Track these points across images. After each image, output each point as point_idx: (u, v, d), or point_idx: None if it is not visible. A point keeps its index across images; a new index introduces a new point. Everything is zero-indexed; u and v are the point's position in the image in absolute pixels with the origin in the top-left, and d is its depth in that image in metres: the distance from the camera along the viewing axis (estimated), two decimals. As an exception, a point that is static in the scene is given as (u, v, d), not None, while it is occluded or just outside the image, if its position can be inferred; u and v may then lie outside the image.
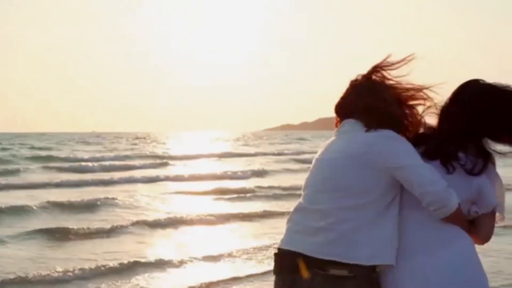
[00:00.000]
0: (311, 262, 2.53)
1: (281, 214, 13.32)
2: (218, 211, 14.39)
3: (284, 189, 19.35)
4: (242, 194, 18.27)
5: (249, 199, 17.59)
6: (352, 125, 2.73)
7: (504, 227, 11.50)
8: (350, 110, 2.77)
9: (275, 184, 21.00)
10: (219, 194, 18.33)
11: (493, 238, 2.87)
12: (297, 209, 2.72)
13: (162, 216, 13.74)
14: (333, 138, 2.80)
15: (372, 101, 2.72)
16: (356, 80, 2.84)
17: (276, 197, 17.55)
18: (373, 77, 2.83)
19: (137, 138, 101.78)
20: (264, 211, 14.44)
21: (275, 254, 2.69)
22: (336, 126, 2.82)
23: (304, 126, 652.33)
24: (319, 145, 61.60)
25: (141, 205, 15.85)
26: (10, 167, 28.32)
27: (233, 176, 25.05)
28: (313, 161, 2.78)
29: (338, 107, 2.82)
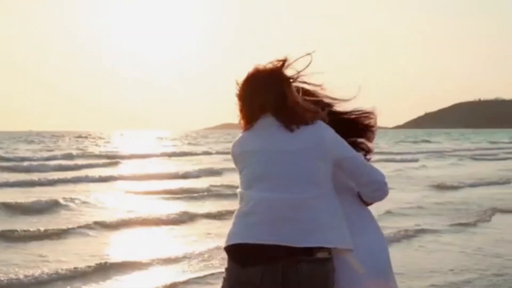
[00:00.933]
0: (296, 250, 2.60)
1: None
2: (175, 211, 14.05)
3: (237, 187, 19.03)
4: (198, 193, 18.02)
5: (205, 198, 17.39)
6: (279, 120, 2.79)
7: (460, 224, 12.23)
8: (267, 102, 2.82)
9: (228, 182, 20.76)
10: (175, 194, 18.00)
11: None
12: (251, 201, 2.71)
13: (119, 216, 13.36)
14: (263, 130, 2.80)
15: (292, 94, 2.83)
16: (266, 70, 2.86)
17: (230, 196, 17.18)
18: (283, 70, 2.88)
19: (79, 137, 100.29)
20: (219, 210, 14.21)
21: (240, 248, 2.68)
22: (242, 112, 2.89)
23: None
24: None
25: (95, 206, 15.40)
26: None
27: (187, 175, 24.76)
28: (249, 154, 2.77)
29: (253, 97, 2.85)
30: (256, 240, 2.64)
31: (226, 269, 2.78)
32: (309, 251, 2.63)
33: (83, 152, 43.49)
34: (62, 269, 8.41)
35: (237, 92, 2.87)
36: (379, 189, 2.90)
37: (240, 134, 2.89)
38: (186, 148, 54.15)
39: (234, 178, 22.03)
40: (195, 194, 17.79)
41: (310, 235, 2.63)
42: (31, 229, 11.40)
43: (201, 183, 21.43)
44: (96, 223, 12.28)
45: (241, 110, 2.87)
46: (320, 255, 2.66)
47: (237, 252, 2.70)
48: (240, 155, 2.83)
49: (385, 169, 28.41)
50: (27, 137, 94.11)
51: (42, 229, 11.48)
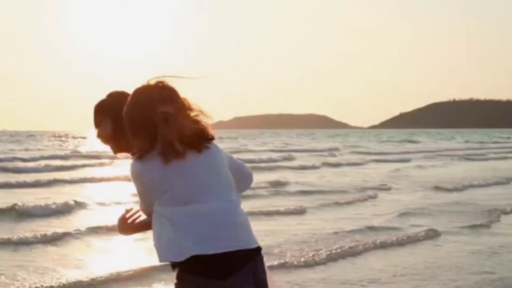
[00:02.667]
0: (252, 252, 2.73)
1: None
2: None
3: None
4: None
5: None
6: None
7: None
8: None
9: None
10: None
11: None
12: (191, 215, 2.69)
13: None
14: None
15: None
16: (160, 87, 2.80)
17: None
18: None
19: (58, 136, 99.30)
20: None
21: (208, 260, 2.64)
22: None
23: (220, 125, 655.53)
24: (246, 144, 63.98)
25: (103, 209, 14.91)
26: None
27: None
28: (179, 168, 2.71)
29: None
30: (221, 249, 2.66)
31: (193, 284, 2.68)
32: (259, 251, 2.77)
33: (73, 151, 42.55)
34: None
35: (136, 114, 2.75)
36: (252, 179, 3.11)
37: (144, 158, 2.73)
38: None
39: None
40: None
41: (252, 235, 2.76)
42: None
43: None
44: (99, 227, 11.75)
45: (145, 133, 2.74)
46: (262, 254, 2.83)
47: (205, 264, 2.66)
48: (162, 178, 2.70)
49: (382, 169, 28.85)
50: (1, 136, 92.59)
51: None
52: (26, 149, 47.99)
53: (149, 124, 2.67)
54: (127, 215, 3.02)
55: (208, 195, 2.72)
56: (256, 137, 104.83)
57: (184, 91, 2.77)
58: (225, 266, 2.66)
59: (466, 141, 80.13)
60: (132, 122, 2.72)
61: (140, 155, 2.70)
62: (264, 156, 38.38)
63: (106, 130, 3.01)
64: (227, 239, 2.67)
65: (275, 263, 8.87)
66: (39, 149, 48.45)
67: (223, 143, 66.93)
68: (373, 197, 17.37)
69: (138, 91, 2.76)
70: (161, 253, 2.67)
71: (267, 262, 8.41)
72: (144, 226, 2.97)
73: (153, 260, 8.07)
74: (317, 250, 9.70)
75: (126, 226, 3.02)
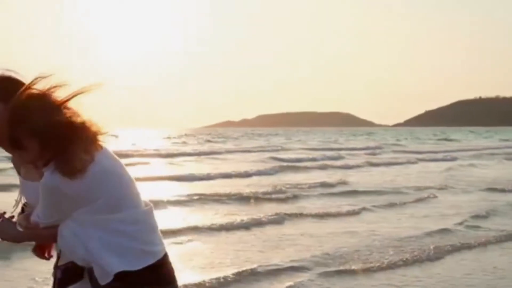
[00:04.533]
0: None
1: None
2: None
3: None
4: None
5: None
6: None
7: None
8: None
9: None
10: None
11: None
12: (131, 218, 2.61)
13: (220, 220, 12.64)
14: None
15: None
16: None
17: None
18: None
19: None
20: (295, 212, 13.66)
21: (158, 266, 2.63)
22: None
23: (244, 123, 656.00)
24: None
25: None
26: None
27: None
28: (107, 173, 2.58)
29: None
30: (163, 254, 2.66)
31: None
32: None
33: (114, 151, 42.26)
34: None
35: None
36: None
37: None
38: (209, 147, 53.43)
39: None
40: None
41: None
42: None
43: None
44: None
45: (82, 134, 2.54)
46: None
47: (161, 271, 2.64)
48: (97, 179, 2.55)
49: (432, 168, 28.36)
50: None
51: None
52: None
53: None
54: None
55: (136, 198, 2.67)
56: (288, 135, 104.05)
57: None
58: (170, 271, 2.68)
59: (504, 140, 78.09)
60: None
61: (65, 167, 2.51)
62: (311, 155, 37.91)
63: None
64: (161, 244, 2.68)
65: (373, 265, 8.67)
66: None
67: (258, 141, 66.55)
68: (432, 197, 17.00)
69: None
70: (113, 264, 2.53)
71: (346, 266, 8.58)
72: (43, 238, 2.76)
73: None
74: (400, 252, 9.54)
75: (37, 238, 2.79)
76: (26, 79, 2.67)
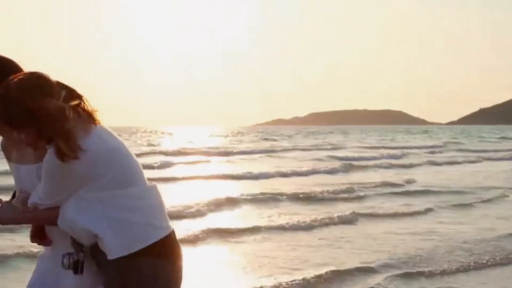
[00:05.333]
0: None
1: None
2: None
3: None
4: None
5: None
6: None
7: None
8: None
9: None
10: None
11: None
12: (138, 194, 2.62)
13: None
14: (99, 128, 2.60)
15: None
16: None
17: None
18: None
19: (149, 132, 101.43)
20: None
21: (167, 242, 2.62)
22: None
23: (296, 120, 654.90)
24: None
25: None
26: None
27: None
28: (105, 150, 2.56)
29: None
30: (170, 230, 2.65)
31: (162, 270, 2.60)
32: None
33: (166, 148, 42.79)
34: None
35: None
36: None
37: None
38: (266, 145, 53.22)
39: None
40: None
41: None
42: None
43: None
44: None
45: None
46: None
47: (169, 246, 2.63)
48: (103, 155, 2.55)
49: (502, 167, 27.46)
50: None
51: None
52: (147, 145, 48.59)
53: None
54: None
55: (141, 174, 2.66)
56: (343, 133, 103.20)
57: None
58: (178, 248, 2.67)
59: None
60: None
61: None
62: (370, 153, 37.71)
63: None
64: (167, 221, 2.66)
65: (442, 268, 8.45)
66: (149, 145, 49.17)
67: (315, 140, 66.23)
68: (504, 197, 16.62)
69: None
70: (126, 240, 2.53)
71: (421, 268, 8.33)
72: (45, 220, 2.68)
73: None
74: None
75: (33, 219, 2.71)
76: (18, 60, 2.69)
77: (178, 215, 12.61)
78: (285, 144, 55.33)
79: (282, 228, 11.55)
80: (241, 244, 10.29)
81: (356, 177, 22.78)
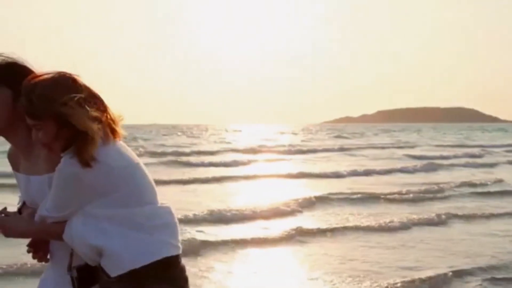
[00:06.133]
0: None
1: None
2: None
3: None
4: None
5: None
6: None
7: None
8: None
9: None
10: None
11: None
12: (150, 213, 2.54)
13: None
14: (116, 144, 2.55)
15: None
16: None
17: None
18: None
19: (206, 130, 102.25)
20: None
21: (173, 264, 2.54)
22: None
23: (364, 118, 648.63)
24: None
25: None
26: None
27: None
28: (121, 166, 2.49)
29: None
30: (178, 252, 2.57)
31: None
32: None
33: (244, 146, 42.96)
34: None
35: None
36: None
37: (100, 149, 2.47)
38: (339, 142, 52.84)
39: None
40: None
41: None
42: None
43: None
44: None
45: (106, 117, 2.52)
46: None
47: (177, 267, 2.55)
48: (117, 170, 2.47)
49: None
50: (160, 130, 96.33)
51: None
52: (208, 143, 48.97)
53: None
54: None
55: (154, 193, 2.59)
56: (417, 131, 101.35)
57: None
58: (184, 273, 2.58)
59: None
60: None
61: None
62: (449, 152, 36.89)
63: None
64: (177, 242, 2.58)
65: None
66: (219, 142, 49.47)
67: (389, 138, 65.21)
68: None
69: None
70: (126, 260, 2.43)
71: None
72: (49, 234, 2.56)
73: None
74: None
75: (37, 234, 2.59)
76: (33, 66, 2.59)
77: (275, 214, 12.69)
78: (359, 142, 54.80)
79: (367, 229, 11.39)
80: (335, 243, 10.23)
81: (439, 176, 22.30)
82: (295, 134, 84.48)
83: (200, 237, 10.05)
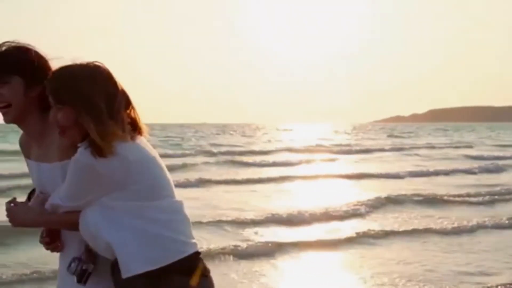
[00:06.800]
0: None
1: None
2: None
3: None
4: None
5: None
6: None
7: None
8: None
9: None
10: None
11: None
12: (168, 207, 2.51)
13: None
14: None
15: None
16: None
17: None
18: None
19: (258, 129, 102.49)
20: None
21: (199, 256, 2.54)
22: None
23: (415, 117, 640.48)
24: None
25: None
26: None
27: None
28: (138, 159, 2.46)
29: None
30: (197, 248, 2.54)
31: None
32: None
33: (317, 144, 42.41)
34: None
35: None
36: None
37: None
38: (399, 142, 52.09)
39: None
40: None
41: None
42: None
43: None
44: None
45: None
46: None
47: (198, 262, 2.50)
48: (134, 164, 2.44)
49: None
50: (211, 129, 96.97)
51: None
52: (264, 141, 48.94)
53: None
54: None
55: (171, 188, 2.56)
56: (471, 131, 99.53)
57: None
58: (203, 262, 2.53)
59: None
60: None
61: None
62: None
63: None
64: (193, 238, 2.54)
65: None
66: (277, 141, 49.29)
67: (441, 138, 64.20)
68: None
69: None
70: (153, 254, 2.39)
71: None
72: (61, 223, 2.53)
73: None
74: None
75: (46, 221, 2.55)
76: (47, 56, 2.59)
77: (341, 216, 12.55)
78: (414, 141, 54.02)
79: (440, 232, 11.07)
80: (401, 246, 10.00)
81: (504, 178, 21.70)
82: (348, 133, 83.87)
83: (270, 238, 9.97)
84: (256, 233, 10.65)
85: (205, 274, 2.51)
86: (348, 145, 44.06)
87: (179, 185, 17.06)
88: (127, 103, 2.50)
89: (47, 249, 2.66)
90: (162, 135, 59.39)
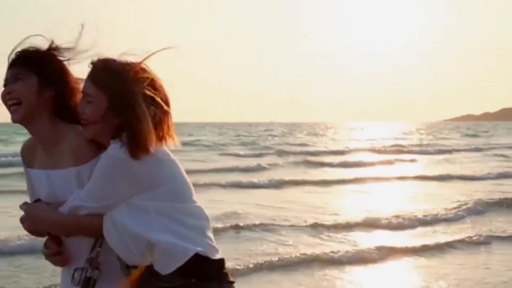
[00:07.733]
0: None
1: None
2: None
3: None
4: None
5: None
6: None
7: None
8: None
9: None
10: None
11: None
12: (195, 211, 2.47)
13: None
14: None
15: None
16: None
17: None
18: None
19: (327, 128, 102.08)
20: None
21: (223, 263, 2.45)
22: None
23: (486, 116, 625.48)
24: None
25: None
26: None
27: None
28: (168, 160, 2.45)
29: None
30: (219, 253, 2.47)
31: None
32: None
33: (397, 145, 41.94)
34: None
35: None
36: None
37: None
38: (480, 142, 50.81)
39: None
40: None
41: None
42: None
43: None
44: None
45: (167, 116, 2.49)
46: None
47: (223, 268, 2.44)
48: (168, 165, 2.43)
49: None
50: (279, 128, 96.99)
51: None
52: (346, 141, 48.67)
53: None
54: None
55: (193, 192, 2.52)
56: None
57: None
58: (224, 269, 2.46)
59: None
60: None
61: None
62: None
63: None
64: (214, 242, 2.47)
65: None
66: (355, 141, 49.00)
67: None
68: None
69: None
70: (186, 246, 2.32)
71: None
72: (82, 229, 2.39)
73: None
74: None
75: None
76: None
77: (443, 219, 12.24)
78: (493, 141, 52.40)
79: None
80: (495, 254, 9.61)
81: None
82: (421, 132, 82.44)
83: (374, 243, 9.72)
84: (356, 237, 10.48)
85: (233, 281, 2.47)
86: (428, 144, 43.19)
87: (256, 186, 17.29)
88: (165, 108, 2.45)
89: (52, 260, 2.49)
90: (233, 135, 59.76)
